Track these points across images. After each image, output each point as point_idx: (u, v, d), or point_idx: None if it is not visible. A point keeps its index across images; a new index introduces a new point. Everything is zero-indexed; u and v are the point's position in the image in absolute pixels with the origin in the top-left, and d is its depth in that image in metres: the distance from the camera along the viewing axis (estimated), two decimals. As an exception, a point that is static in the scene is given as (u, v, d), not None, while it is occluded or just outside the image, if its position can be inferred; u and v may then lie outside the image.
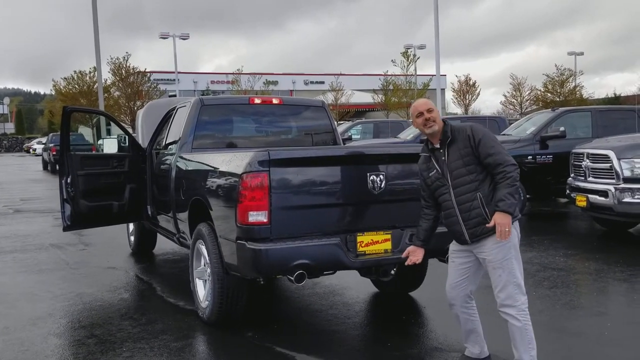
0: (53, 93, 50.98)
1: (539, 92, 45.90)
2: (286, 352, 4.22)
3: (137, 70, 41.79)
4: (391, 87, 43.84)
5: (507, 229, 3.35)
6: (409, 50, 41.18)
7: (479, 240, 3.51)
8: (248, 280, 4.45)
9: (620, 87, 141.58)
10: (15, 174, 26.26)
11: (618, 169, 7.37)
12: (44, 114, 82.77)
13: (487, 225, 3.42)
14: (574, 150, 8.57)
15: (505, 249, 3.48)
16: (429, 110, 3.59)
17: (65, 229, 6.45)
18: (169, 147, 6.15)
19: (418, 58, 41.58)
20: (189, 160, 5.47)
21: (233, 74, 46.78)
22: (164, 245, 7.78)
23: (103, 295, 5.85)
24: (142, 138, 7.79)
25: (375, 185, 4.32)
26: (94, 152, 24.92)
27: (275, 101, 6.36)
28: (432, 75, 32.75)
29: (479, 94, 49.29)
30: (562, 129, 9.93)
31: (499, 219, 3.35)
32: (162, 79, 47.24)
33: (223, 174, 4.48)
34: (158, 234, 7.15)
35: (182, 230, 5.57)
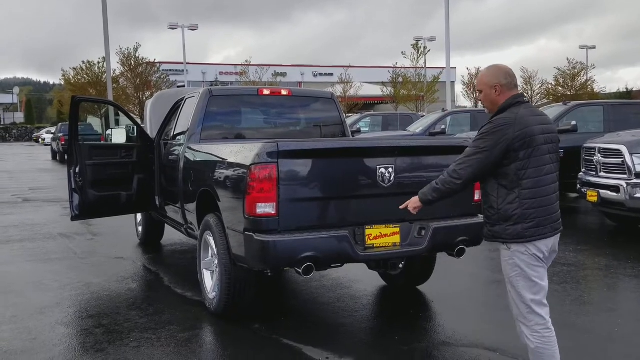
0: (62, 83, 51.16)
1: (550, 86, 45.56)
2: (293, 344, 4.21)
3: (147, 60, 41.84)
4: (400, 79, 43.65)
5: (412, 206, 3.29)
6: (419, 43, 40.94)
7: (491, 242, 3.24)
8: (255, 272, 4.44)
9: (633, 81, 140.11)
10: (25, 164, 26.38)
11: (630, 164, 7.29)
12: (53, 104, 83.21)
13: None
14: (585, 145, 8.49)
15: (509, 266, 3.15)
16: (479, 91, 3.23)
17: (74, 218, 6.47)
18: (178, 137, 6.13)
19: (429, 50, 41.35)
20: (197, 151, 5.45)
21: (241, 65, 46.76)
22: (171, 236, 7.78)
23: (111, 285, 5.87)
24: (151, 128, 7.78)
25: (385, 178, 4.28)
26: (102, 142, 24.97)
27: (284, 92, 6.32)
28: (442, 68, 32.57)
29: (489, 87, 48.79)
30: (573, 123, 9.82)
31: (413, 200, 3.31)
32: (170, 70, 47.27)
33: (231, 165, 4.45)
34: (166, 225, 7.15)
35: (189, 221, 5.56)
